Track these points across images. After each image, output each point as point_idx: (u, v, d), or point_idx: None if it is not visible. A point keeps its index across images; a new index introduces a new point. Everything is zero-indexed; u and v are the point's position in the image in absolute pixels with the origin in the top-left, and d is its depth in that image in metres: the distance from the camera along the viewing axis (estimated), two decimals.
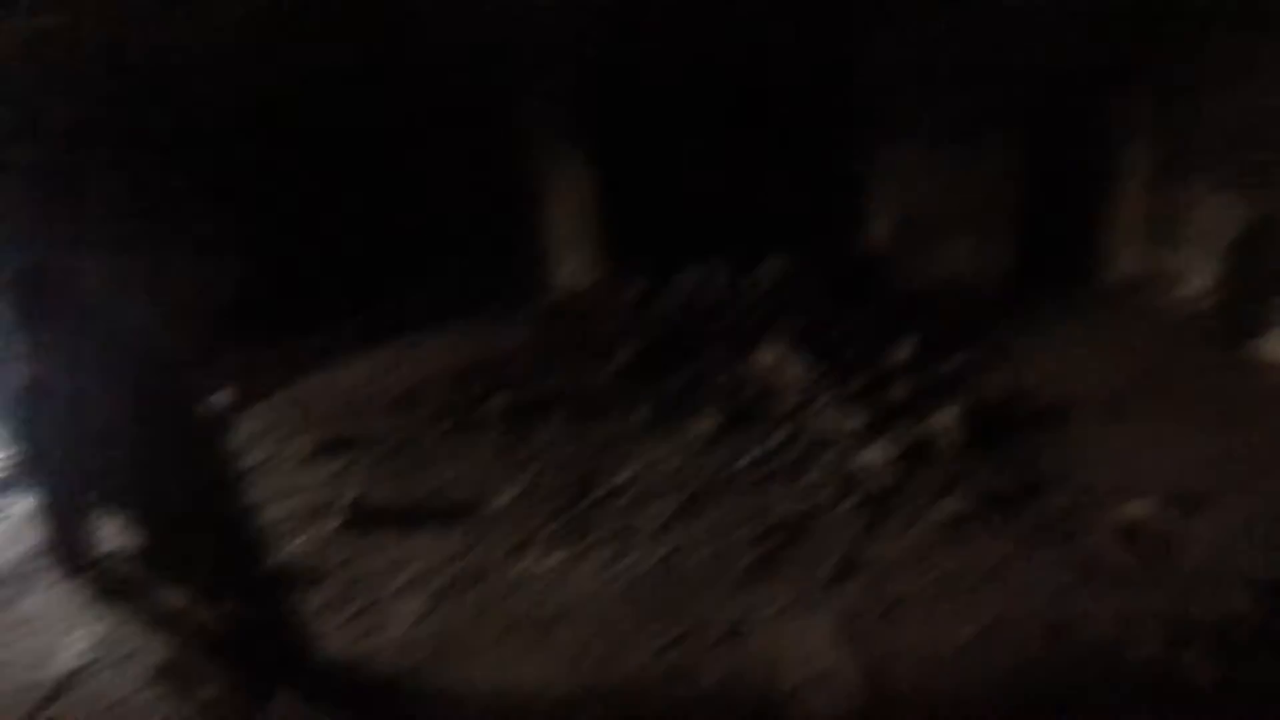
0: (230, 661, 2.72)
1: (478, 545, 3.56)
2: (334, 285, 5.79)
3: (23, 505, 3.79)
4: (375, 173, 5.94)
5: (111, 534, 2.48)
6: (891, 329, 4.96)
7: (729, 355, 4.94)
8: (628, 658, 2.88)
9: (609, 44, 5.90)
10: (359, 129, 5.74)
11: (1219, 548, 3.15)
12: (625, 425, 4.41)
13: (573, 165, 6.29)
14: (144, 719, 2.72)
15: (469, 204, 6.22)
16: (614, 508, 3.75)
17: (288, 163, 5.54)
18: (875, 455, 3.72)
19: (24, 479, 2.06)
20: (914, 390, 4.28)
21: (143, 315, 3.15)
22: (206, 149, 5.25)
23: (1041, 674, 2.66)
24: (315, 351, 5.52)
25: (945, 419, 3.90)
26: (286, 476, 4.22)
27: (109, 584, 3.16)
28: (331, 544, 3.65)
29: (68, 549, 3.11)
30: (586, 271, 6.43)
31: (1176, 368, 4.85)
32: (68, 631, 3.11)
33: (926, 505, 3.48)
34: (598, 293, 6.19)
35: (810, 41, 5.76)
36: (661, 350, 5.08)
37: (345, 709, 2.77)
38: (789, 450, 3.95)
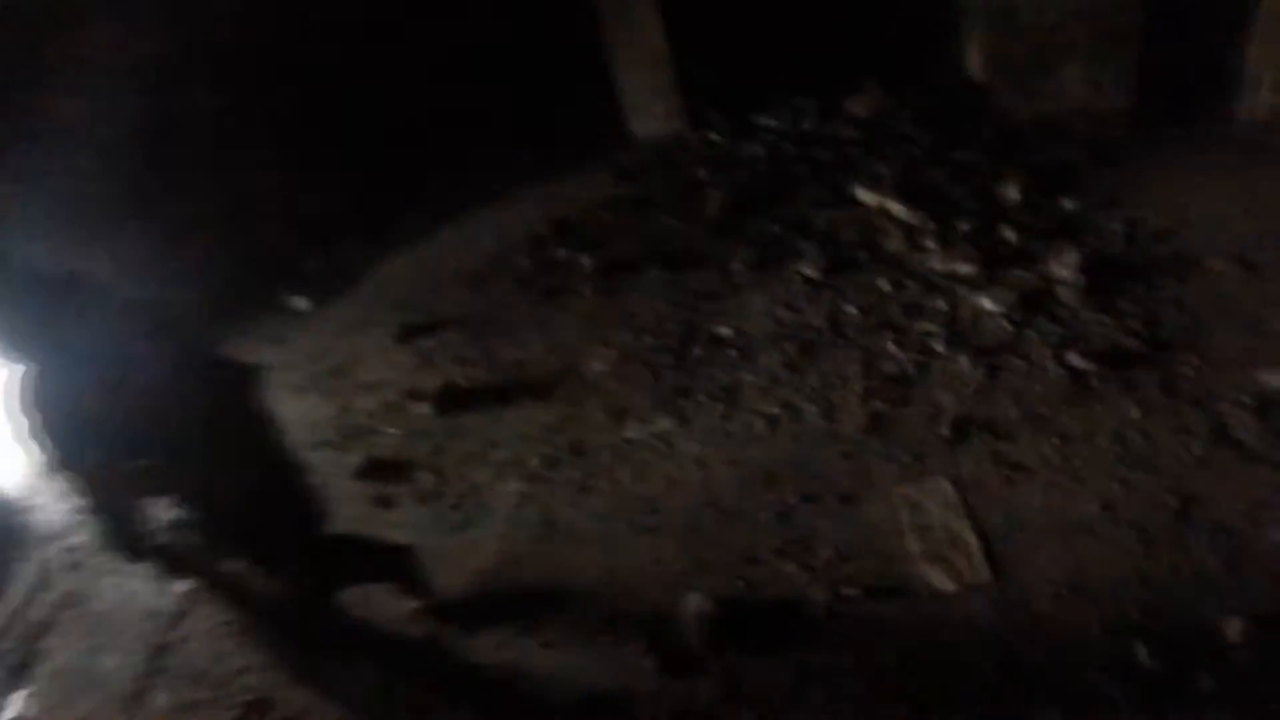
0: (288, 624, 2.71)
1: (575, 417, 3.50)
2: (409, 160, 5.56)
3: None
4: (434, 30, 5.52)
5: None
6: (999, 167, 4.51)
7: (827, 198, 4.62)
8: (739, 530, 2.84)
9: None
10: None
11: None
12: (722, 277, 4.20)
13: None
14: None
15: (532, 50, 5.77)
16: (717, 365, 3.65)
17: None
18: (990, 303, 3.51)
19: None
20: (1026, 233, 3.96)
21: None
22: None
23: (1166, 554, 2.51)
24: (395, 237, 5.37)
25: (1063, 266, 3.63)
26: (374, 368, 4.21)
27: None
28: (423, 432, 3.64)
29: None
30: (667, 120, 5.95)
31: None
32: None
33: (1046, 360, 3.27)
34: (680, 140, 5.77)
35: None
36: (753, 197, 4.78)
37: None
38: (898, 297, 3.76)
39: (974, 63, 5.69)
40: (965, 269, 3.65)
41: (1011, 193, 4.22)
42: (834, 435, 3.14)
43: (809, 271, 3.97)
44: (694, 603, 2.52)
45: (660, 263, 4.38)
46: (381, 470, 3.46)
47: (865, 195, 4.41)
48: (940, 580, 2.52)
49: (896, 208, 4.17)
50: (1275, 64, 5.60)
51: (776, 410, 3.30)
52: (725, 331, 3.76)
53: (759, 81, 5.54)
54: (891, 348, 3.44)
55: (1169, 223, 4.23)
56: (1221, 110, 5.72)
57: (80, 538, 3.33)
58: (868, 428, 3.13)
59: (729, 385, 3.48)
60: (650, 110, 6.00)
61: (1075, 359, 3.20)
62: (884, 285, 3.79)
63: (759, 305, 3.90)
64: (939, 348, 3.38)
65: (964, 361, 3.28)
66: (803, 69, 5.45)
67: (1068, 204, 4.23)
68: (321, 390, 4.14)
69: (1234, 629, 2.22)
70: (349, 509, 3.11)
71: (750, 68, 5.51)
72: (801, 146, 5.14)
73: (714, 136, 5.58)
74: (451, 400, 3.72)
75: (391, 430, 3.69)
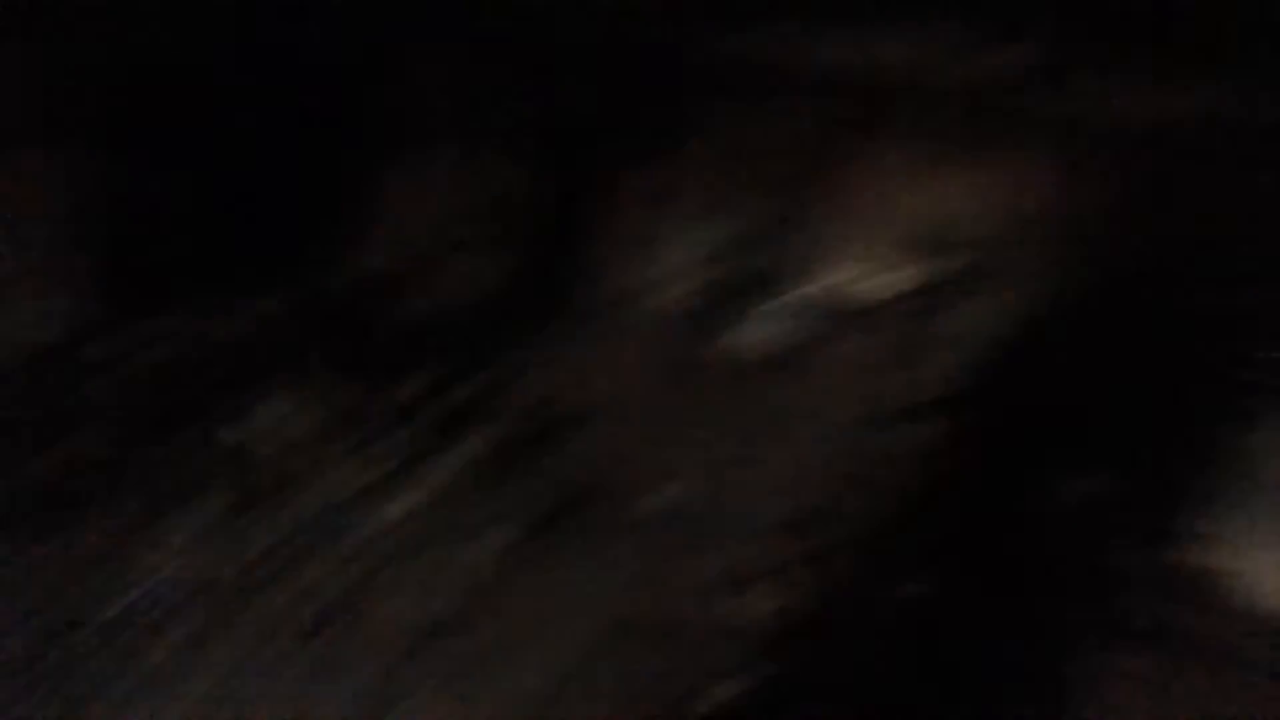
0: None
1: None
2: None
3: None
4: None
5: None
6: (401, 361, 4.77)
7: (223, 415, 4.24)
8: None
9: None
10: None
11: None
12: (109, 527, 3.47)
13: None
14: None
15: None
16: (118, 644, 2.97)
17: None
18: (405, 506, 3.54)
19: None
20: (434, 426, 4.19)
21: None
22: None
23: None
24: None
25: (471, 450, 3.89)
26: None
27: None
28: None
29: None
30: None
31: (670, 363, 5.72)
32: None
33: (477, 547, 3.43)
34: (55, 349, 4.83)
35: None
36: (145, 422, 4.14)
37: None
38: (312, 525, 3.54)
39: (375, 252, 6.07)
40: (374, 477, 3.71)
41: (414, 387, 4.48)
42: (279, 688, 2.84)
43: (212, 510, 3.58)
44: None
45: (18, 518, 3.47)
46: None
47: (264, 410, 4.24)
48: None
49: (297, 420, 4.09)
50: (620, 248, 7.25)
51: (206, 684, 2.85)
52: (122, 603, 3.16)
53: (153, 277, 4.99)
54: (321, 576, 3.27)
55: (568, 385, 5.00)
56: (589, 285, 7.14)
57: None
58: (314, 666, 2.90)
59: (131, 668, 2.90)
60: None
61: (502, 535, 3.46)
62: (296, 510, 3.62)
63: (161, 557, 3.38)
64: (371, 564, 3.32)
65: (394, 571, 3.28)
66: (202, 263, 5.07)
67: (469, 389, 4.64)
68: None
69: None
70: None
71: (142, 260, 4.97)
72: (199, 355, 4.75)
73: (98, 342, 4.81)
74: None
75: None
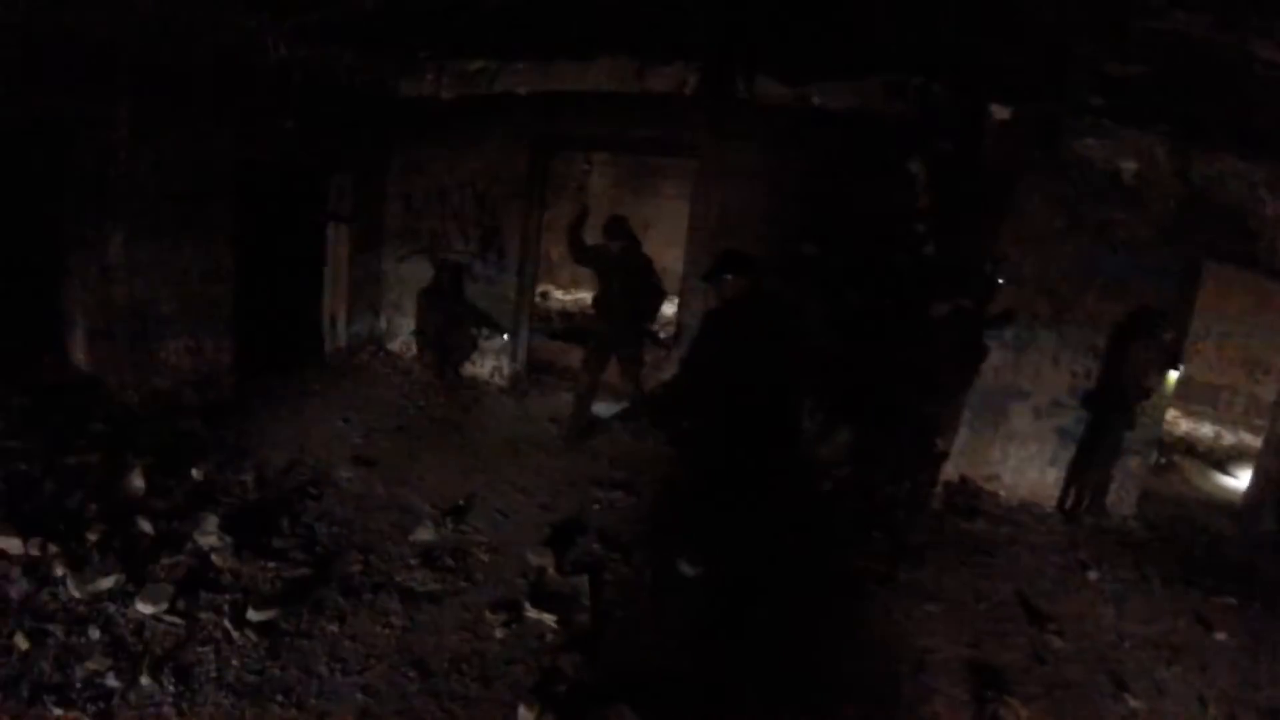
0: None
1: None
2: None
3: None
4: None
5: None
6: (119, 457, 4.39)
7: None
8: None
9: None
10: None
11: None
12: None
13: None
14: None
15: None
16: None
17: None
18: (147, 606, 3.27)
19: None
20: (163, 518, 3.88)
21: None
22: None
23: None
24: None
25: (206, 534, 3.74)
26: None
27: None
28: None
29: None
30: None
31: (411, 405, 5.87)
32: None
33: (231, 632, 3.25)
34: None
35: None
36: None
37: None
38: (45, 648, 3.10)
39: (78, 351, 5.47)
40: (108, 583, 3.29)
41: (137, 481, 4.08)
42: None
43: None
44: None
45: None
46: None
47: None
48: None
49: (9, 542, 3.57)
50: (342, 310, 7.25)
51: None
52: None
53: None
54: (59, 712, 2.91)
55: (292, 454, 4.90)
56: (312, 349, 7.07)
57: None
58: None
59: None
60: None
61: (256, 614, 3.28)
62: (22, 642, 3.11)
63: None
64: (114, 682, 2.97)
65: (147, 682, 2.99)
66: None
67: (196, 472, 4.37)
68: None
69: None
70: None
71: None
72: None
73: None
74: None
75: None
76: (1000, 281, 5.23)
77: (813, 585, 4.14)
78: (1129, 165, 5.40)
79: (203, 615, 3.30)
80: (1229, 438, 10.72)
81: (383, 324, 7.58)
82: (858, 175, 5.62)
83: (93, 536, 3.66)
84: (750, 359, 3.94)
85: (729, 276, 4.02)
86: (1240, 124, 4.74)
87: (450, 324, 6.82)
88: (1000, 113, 5.26)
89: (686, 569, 3.98)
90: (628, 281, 5.65)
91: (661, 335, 7.41)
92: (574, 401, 5.84)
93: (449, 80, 6.74)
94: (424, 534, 4.05)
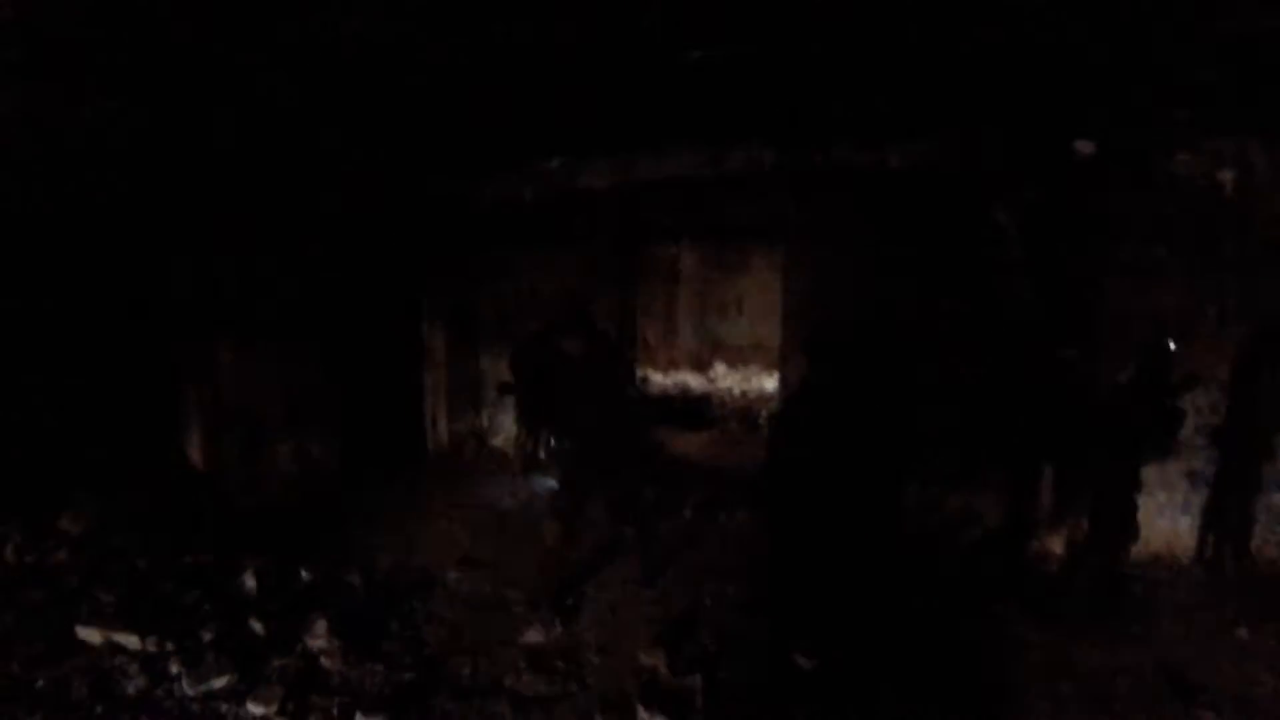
0: None
1: None
2: None
3: None
4: None
5: None
6: (232, 558, 4.51)
7: (43, 648, 3.75)
8: None
9: None
10: None
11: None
12: None
13: None
14: None
15: None
16: None
17: None
18: (257, 707, 3.26)
19: None
20: (273, 619, 3.90)
21: None
22: None
23: None
24: None
25: (316, 637, 3.71)
26: None
27: None
28: None
29: None
30: None
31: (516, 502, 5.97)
32: None
33: None
34: None
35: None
36: None
37: None
38: None
39: (193, 453, 5.77)
40: (220, 683, 3.31)
41: (249, 582, 4.16)
42: None
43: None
44: None
45: None
46: None
47: (89, 634, 3.79)
48: None
49: (128, 639, 3.68)
50: (442, 409, 7.43)
51: None
52: None
53: None
54: None
55: (399, 555, 4.90)
56: (415, 447, 7.23)
57: None
58: None
59: None
60: None
61: (364, 718, 3.22)
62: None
63: None
64: None
65: None
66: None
67: (305, 573, 4.40)
68: None
69: None
70: None
71: None
72: (4, 586, 4.23)
73: None
74: None
75: None
76: (1172, 345, 4.88)
77: (941, 665, 3.77)
78: (1227, 175, 4.99)
79: (312, 718, 3.23)
80: None
81: (484, 421, 7.66)
82: (949, 232, 5.44)
83: (207, 635, 3.72)
84: (843, 434, 3.72)
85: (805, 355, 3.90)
86: None
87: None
88: (1085, 148, 5.01)
89: (803, 662, 3.68)
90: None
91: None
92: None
93: (530, 181, 7.00)
94: (533, 635, 3.89)
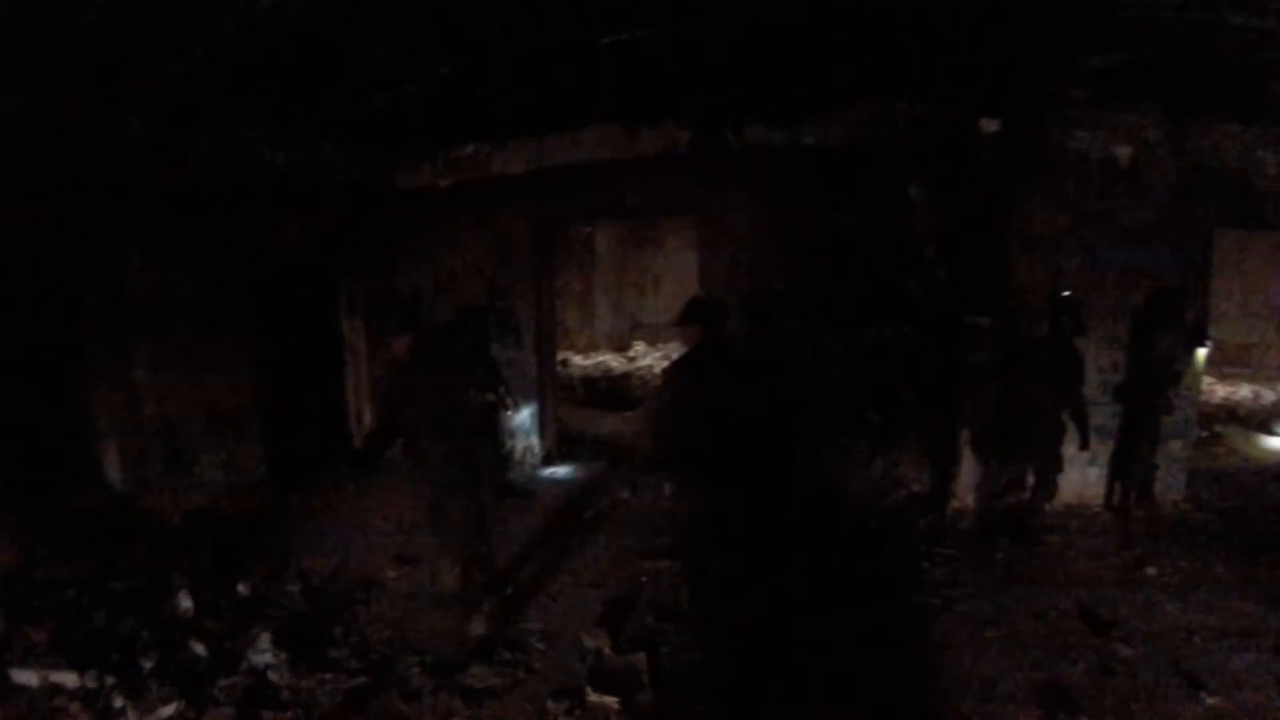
0: None
1: None
2: None
3: None
4: None
5: None
6: (165, 579, 4.47)
7: None
8: None
9: None
10: None
11: None
12: None
13: None
14: None
15: None
16: None
17: None
18: None
19: None
20: (214, 639, 3.91)
21: None
22: None
23: None
24: None
25: (260, 652, 3.75)
26: None
27: None
28: None
29: None
30: None
31: None
32: None
33: None
34: None
35: None
36: None
37: None
38: None
39: (111, 471, 5.62)
40: (168, 711, 3.30)
41: (185, 602, 4.15)
42: None
43: None
44: None
45: None
46: None
47: (24, 676, 3.72)
48: None
49: (65, 677, 3.62)
50: (366, 404, 7.33)
51: None
52: None
53: None
54: None
55: (336, 559, 4.94)
56: (343, 446, 7.16)
57: None
58: None
59: None
60: None
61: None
62: None
63: None
64: None
65: None
66: None
67: (242, 588, 4.41)
68: None
69: None
70: None
71: None
72: None
73: None
74: None
75: None
76: (1065, 294, 5.21)
77: (871, 619, 4.09)
78: (1124, 150, 5.41)
79: None
80: (1268, 395, 10.51)
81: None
82: (860, 208, 5.69)
83: (148, 663, 3.70)
84: (727, 400, 3.72)
85: (690, 324, 3.81)
86: (1225, 91, 4.77)
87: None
88: (989, 125, 5.31)
89: (738, 619, 3.92)
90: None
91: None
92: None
93: (444, 168, 6.92)
94: (478, 628, 4.01)
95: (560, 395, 7.77)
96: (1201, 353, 5.63)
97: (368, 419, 7.34)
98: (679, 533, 4.11)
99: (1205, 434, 7.52)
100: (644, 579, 4.65)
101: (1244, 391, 10.75)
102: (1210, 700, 3.29)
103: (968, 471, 5.58)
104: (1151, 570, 4.61)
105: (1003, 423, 5.26)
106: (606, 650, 3.82)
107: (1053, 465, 5.09)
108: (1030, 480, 5.23)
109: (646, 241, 13.64)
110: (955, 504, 5.58)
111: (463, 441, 3.95)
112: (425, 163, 6.98)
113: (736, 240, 6.01)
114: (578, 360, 12.55)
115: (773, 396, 4.49)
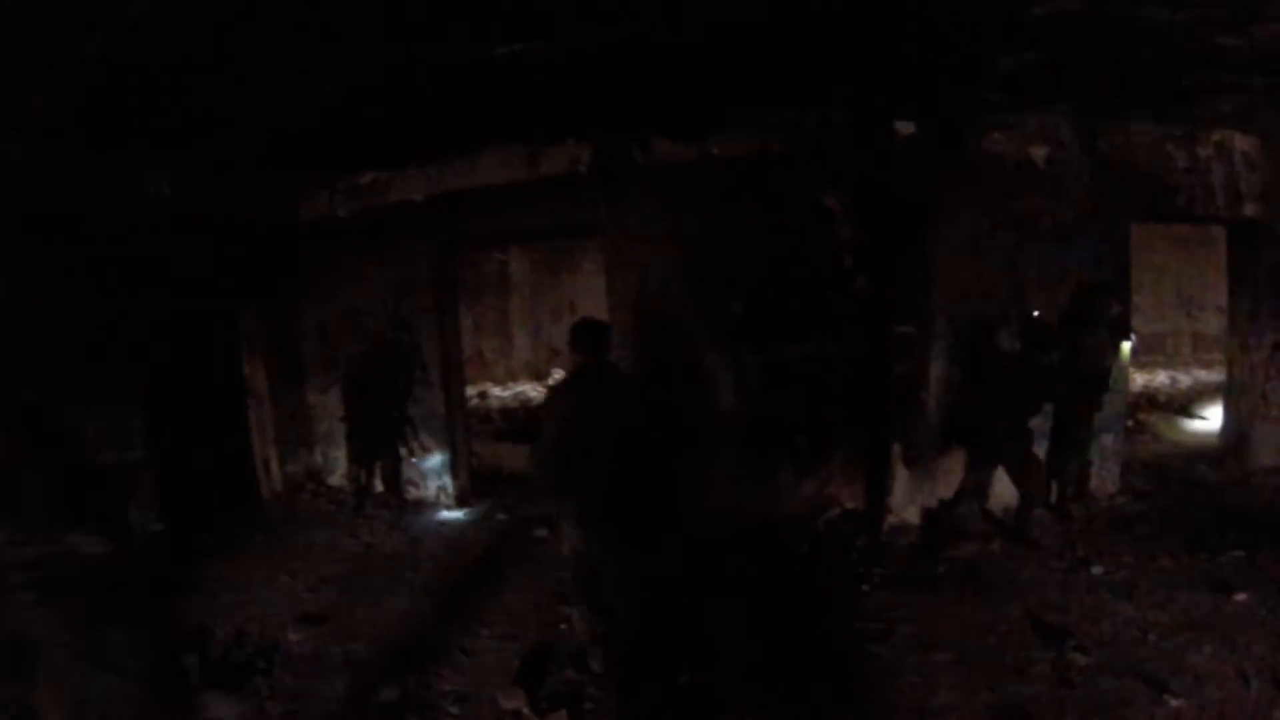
0: None
1: None
2: None
3: None
4: None
5: None
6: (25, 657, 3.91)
7: None
8: None
9: None
10: None
11: None
12: None
13: None
14: None
15: None
16: None
17: None
18: None
19: None
20: None
21: None
22: None
23: None
24: None
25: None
26: None
27: None
28: None
29: None
30: None
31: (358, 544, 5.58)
32: None
33: None
34: None
35: None
36: None
37: None
38: None
39: None
40: None
41: None
42: None
43: None
44: None
45: None
46: None
47: None
48: None
49: None
50: (273, 450, 6.83)
51: None
52: None
53: None
54: None
55: (238, 621, 4.42)
56: (246, 496, 6.63)
57: None
58: None
59: None
60: None
61: None
62: None
63: None
64: None
65: None
66: None
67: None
68: None
69: None
70: None
71: None
72: None
73: None
74: None
75: None
76: (1035, 314, 5.16)
77: (806, 655, 3.80)
78: (1039, 151, 5.40)
79: None
80: (1184, 379, 10.82)
81: (318, 459, 7.15)
82: (776, 221, 5.50)
83: None
84: (615, 426, 3.40)
85: (574, 348, 3.51)
86: (1135, 88, 4.76)
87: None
88: (904, 129, 5.20)
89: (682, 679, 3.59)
90: None
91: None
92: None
93: (343, 197, 6.54)
94: (388, 693, 3.58)
95: (477, 429, 7.34)
96: (1127, 347, 5.62)
97: (274, 464, 6.83)
98: (575, 577, 3.73)
99: (1130, 423, 7.59)
100: (564, 625, 4.24)
101: (1161, 378, 11.05)
102: (1175, 702, 3.13)
103: (902, 486, 5.38)
104: (1097, 569, 4.48)
105: (963, 430, 5.12)
106: (525, 710, 3.42)
107: (1030, 468, 4.96)
108: (992, 488, 5.16)
109: (562, 266, 13.36)
110: (892, 519, 5.37)
111: None
112: (324, 192, 6.59)
113: (644, 260, 5.75)
114: (496, 391, 12.08)
115: (675, 420, 4.15)
